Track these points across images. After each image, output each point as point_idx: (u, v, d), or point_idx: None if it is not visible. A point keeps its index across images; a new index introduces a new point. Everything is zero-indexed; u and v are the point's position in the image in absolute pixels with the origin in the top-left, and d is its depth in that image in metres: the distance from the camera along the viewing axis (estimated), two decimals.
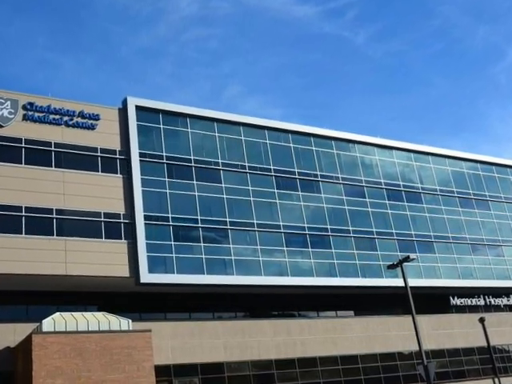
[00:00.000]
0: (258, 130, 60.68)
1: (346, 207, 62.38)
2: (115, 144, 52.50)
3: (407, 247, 63.57)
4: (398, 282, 52.89)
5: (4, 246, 44.57)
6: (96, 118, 52.17)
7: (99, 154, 51.31)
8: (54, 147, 49.64)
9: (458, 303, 68.63)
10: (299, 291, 57.74)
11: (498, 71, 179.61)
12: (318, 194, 61.24)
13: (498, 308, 71.42)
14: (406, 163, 70.43)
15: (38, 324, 42.37)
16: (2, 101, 48.75)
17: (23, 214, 46.31)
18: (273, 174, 59.35)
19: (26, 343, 41.30)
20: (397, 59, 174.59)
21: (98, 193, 49.69)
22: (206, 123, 58.04)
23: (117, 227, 49.59)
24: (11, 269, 44.09)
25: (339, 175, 63.64)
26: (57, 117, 50.60)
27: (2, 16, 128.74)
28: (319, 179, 61.98)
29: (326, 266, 58.38)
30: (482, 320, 54.67)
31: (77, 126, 51.18)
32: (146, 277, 48.66)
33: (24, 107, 49.52)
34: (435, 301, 65.76)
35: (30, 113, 49.63)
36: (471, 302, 69.56)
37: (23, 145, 48.49)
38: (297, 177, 60.71)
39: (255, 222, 55.99)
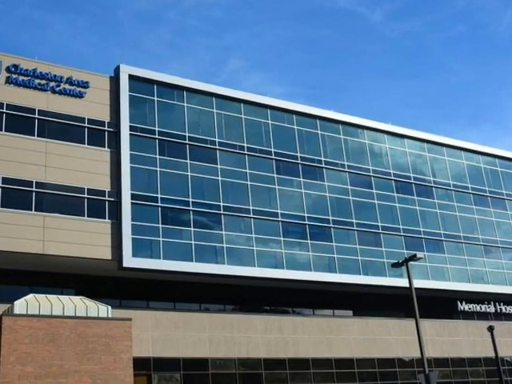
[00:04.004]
0: (260, 108, 60.47)
1: (351, 198, 62.22)
2: (104, 115, 52.27)
3: (414, 245, 63.52)
4: (403, 282, 52.93)
5: None
6: (85, 85, 51.92)
7: (86, 124, 51.10)
8: (38, 115, 49.41)
9: (466, 309, 68.58)
10: (295, 286, 57.66)
11: None
12: (320, 181, 61.06)
13: (509, 316, 71.34)
14: (418, 154, 70.23)
15: (9, 305, 42.20)
16: None
17: (0, 185, 46.11)
18: (273, 157, 59.13)
19: None
20: (415, 41, 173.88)
21: (82, 167, 49.52)
22: (204, 98, 57.79)
23: (101, 205, 49.44)
24: None
25: (345, 163, 63.44)
26: (43, 82, 50.33)
27: None
28: (323, 166, 61.78)
29: (326, 261, 58.29)
30: (490, 328, 54.58)
31: (64, 92, 50.97)
32: (129, 261, 48.55)
33: (8, 69, 49.21)
34: (441, 305, 65.73)
35: (14, 76, 49.35)
36: (480, 308, 69.52)
37: (4, 110, 48.28)
38: (299, 162, 60.49)
39: (251, 208, 55.84)
